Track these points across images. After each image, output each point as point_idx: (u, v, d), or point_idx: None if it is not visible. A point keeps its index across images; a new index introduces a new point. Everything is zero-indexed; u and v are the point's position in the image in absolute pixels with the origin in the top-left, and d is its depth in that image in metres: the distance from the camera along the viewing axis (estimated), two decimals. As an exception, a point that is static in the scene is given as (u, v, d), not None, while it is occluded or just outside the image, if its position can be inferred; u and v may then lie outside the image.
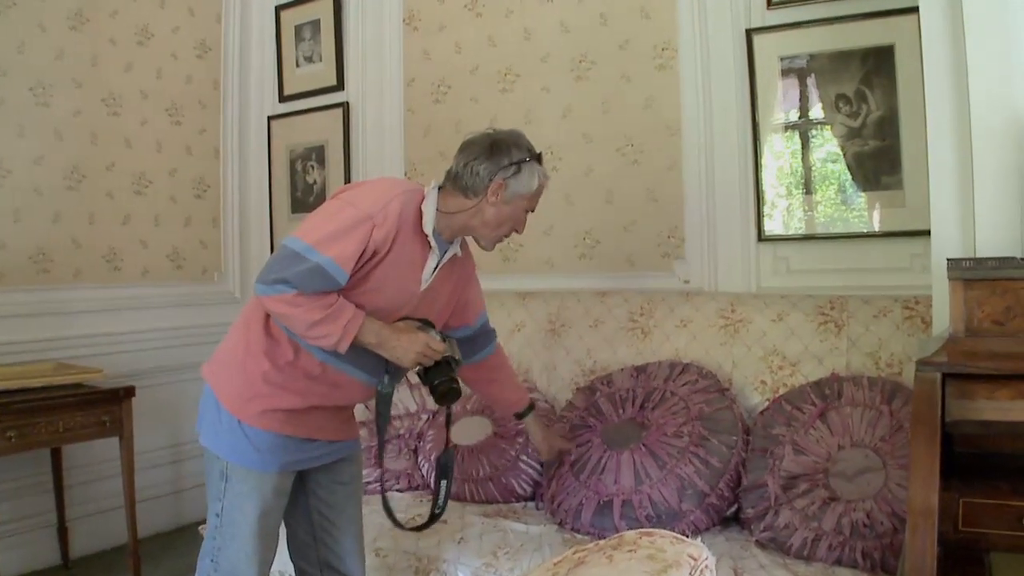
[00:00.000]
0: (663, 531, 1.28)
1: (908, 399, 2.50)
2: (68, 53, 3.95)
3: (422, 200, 2.14)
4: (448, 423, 2.40)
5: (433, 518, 2.35)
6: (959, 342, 1.61)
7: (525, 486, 3.01)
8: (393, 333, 2.11)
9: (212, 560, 2.19)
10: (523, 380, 3.36)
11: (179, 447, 4.38)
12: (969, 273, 1.63)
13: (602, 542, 1.30)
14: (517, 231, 2.26)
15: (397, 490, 3.15)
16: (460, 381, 2.24)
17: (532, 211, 2.26)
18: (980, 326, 1.62)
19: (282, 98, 4.79)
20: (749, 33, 3.28)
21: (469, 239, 2.32)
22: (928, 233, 2.85)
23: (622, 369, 3.12)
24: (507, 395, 2.69)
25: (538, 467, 3.01)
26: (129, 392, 3.54)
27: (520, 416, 2.72)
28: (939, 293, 2.08)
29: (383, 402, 2.22)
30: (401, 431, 3.28)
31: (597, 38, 3.70)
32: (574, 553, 1.29)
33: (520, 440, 3.05)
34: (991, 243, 1.98)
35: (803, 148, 3.24)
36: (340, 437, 2.32)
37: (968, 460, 1.53)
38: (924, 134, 2.89)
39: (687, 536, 1.30)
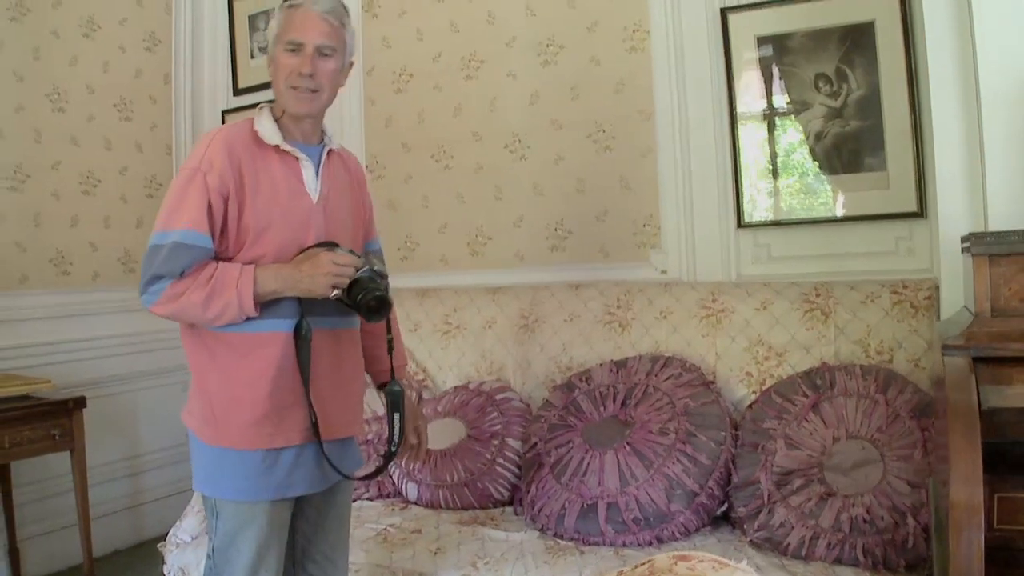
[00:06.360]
0: (701, 554, 1.10)
1: (904, 387, 2.41)
2: (8, 45, 3.74)
3: (253, 123, 2.00)
4: (390, 349, 2.12)
5: (389, 457, 2.13)
6: (985, 323, 1.48)
7: (502, 491, 2.87)
8: (294, 268, 1.91)
9: None
10: (496, 379, 3.24)
11: (136, 459, 4.17)
12: (995, 248, 1.49)
13: (627, 569, 1.12)
14: (303, 72, 1.95)
15: (367, 499, 2.99)
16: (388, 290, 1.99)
17: (303, 46, 1.95)
18: (1008, 305, 1.49)
19: (236, 91, 4.61)
20: (724, 12, 3.17)
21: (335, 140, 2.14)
22: (914, 215, 2.85)
23: (601, 364, 2.98)
24: (379, 354, 2.22)
25: (516, 470, 2.87)
26: (79, 403, 3.34)
27: (382, 388, 2.27)
28: (949, 273, 1.96)
29: (304, 348, 1.95)
30: (369, 436, 3.12)
31: (564, 20, 3.56)
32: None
33: (495, 443, 2.91)
34: (1004, 217, 1.85)
35: (782, 130, 3.13)
36: (339, 435, 2.06)
37: (994, 450, 1.40)
38: (907, 113, 2.84)
39: (729, 560, 1.13)
